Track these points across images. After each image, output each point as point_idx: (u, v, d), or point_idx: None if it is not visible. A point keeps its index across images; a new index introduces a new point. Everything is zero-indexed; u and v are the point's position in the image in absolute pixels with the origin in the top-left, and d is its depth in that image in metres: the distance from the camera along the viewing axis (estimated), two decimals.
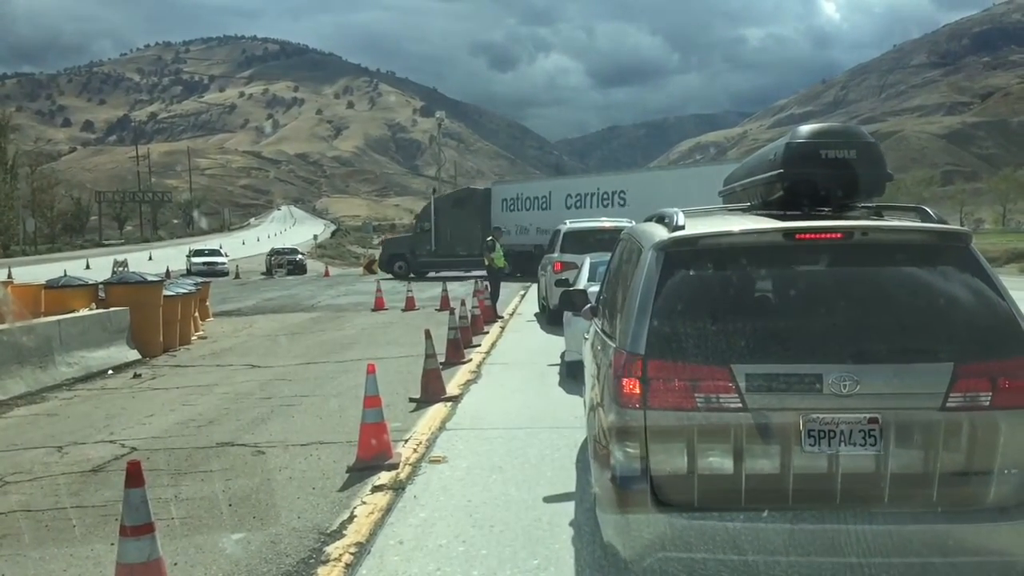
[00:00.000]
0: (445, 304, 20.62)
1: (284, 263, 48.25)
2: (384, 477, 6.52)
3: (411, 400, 9.75)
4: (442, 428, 8.38)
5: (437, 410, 9.19)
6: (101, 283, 15.39)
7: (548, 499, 5.99)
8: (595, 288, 7.88)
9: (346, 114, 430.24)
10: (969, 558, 3.75)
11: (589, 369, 5.71)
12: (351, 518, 5.62)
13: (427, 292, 26.01)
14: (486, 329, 16.88)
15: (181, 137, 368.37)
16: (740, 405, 3.77)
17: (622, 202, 33.64)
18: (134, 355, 14.12)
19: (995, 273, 4.05)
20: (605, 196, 34.51)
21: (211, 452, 7.73)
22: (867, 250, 4.19)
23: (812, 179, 4.54)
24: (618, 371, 4.03)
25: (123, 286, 14.98)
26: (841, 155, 4.49)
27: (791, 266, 4.25)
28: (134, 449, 7.97)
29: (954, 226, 4.38)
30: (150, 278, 15.45)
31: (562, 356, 11.88)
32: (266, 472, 6.94)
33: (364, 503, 5.93)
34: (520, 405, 9.56)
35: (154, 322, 14.92)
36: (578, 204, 35.20)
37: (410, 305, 22.67)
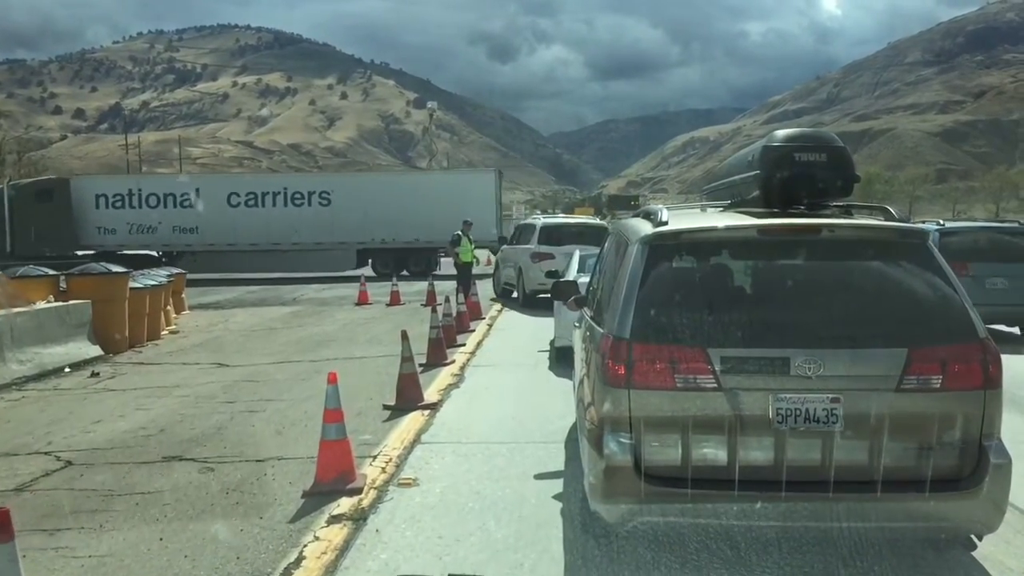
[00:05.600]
0: (431, 299, 19.75)
1: None
2: (344, 504, 5.66)
3: (385, 407, 8.89)
4: (416, 441, 7.52)
5: (413, 419, 8.33)
6: (62, 274, 14.46)
7: (531, 535, 5.14)
8: (584, 279, 8.65)
9: (339, 105, 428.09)
10: (922, 525, 4.20)
11: (579, 352, 6.22)
12: (299, 560, 4.75)
13: (414, 287, 25.11)
14: (472, 327, 15.99)
15: (173, 126, 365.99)
16: (715, 385, 4.12)
17: (325, 202, 33.74)
18: (95, 351, 13.21)
19: (949, 267, 4.38)
20: (298, 196, 33.92)
21: (154, 468, 6.86)
22: (833, 245, 4.53)
23: (786, 180, 4.94)
24: (606, 353, 4.37)
25: (85, 277, 14.03)
26: (812, 158, 4.94)
27: (764, 259, 4.73)
28: (69, 463, 7.11)
29: (913, 224, 4.83)
30: (115, 269, 14.49)
31: (551, 343, 12.47)
32: (210, 496, 6.06)
33: (317, 539, 5.06)
34: (504, 414, 8.70)
35: (119, 316, 14.01)
36: (251, 203, 33.90)
37: (395, 300, 21.79)
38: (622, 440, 4.20)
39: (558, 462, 6.72)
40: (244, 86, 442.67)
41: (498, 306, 20.52)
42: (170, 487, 6.31)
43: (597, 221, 24.18)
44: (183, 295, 20.73)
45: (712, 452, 4.16)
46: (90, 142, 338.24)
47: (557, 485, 6.09)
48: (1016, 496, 4.31)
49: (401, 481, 6.28)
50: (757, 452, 4.13)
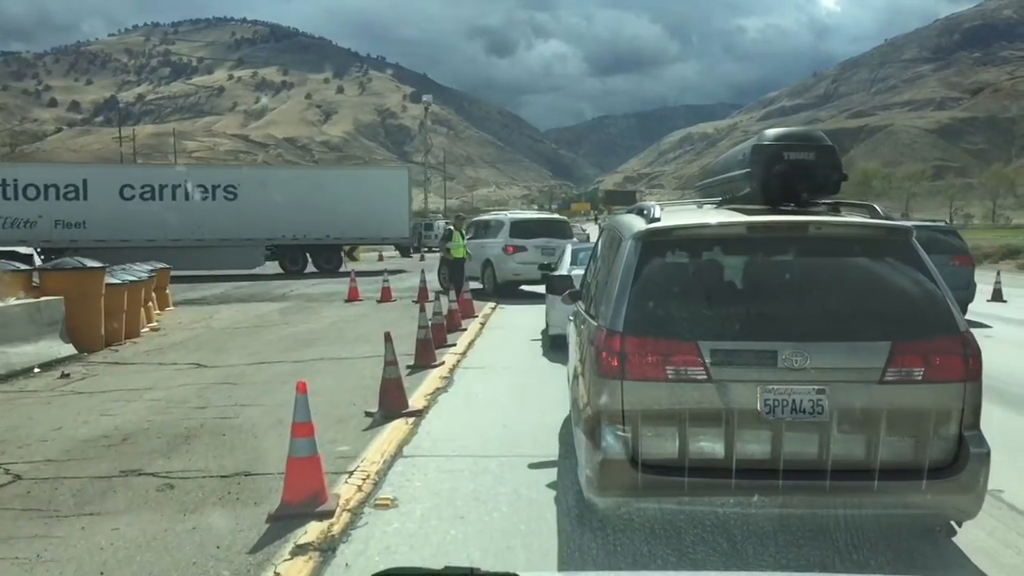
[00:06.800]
0: (423, 296, 19.19)
1: None
2: (312, 531, 5.04)
3: (367, 414, 8.28)
4: (397, 455, 6.92)
5: (395, 428, 7.72)
6: (35, 269, 13.84)
7: (522, 570, 4.54)
8: (578, 271, 9.04)
9: (336, 99, 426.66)
10: (905, 511, 4.31)
11: (573, 345, 6.42)
12: None
13: (405, 283, 24.55)
14: (464, 325, 15.39)
15: (169, 119, 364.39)
16: (706, 377, 4.22)
17: (231, 196, 32.33)
18: (68, 350, 12.60)
19: (932, 264, 4.47)
20: (201, 189, 32.22)
21: (109, 485, 6.25)
22: (820, 242, 4.64)
23: (776, 178, 5.05)
24: (599, 346, 4.48)
25: (58, 273, 13.40)
26: (801, 157, 5.06)
27: (753, 255, 4.80)
28: (18, 477, 6.49)
29: (898, 222, 4.90)
30: (89, 264, 13.85)
31: (543, 332, 13.81)
32: (165, 519, 5.44)
33: (277, 575, 4.46)
34: (495, 422, 8.12)
35: (94, 313, 13.40)
36: (147, 195, 31.79)
37: (386, 296, 21.22)
38: (618, 432, 4.28)
39: (551, 478, 6.15)
40: (240, 80, 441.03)
41: (492, 303, 19.95)
42: (123, 507, 5.71)
43: (557, 216, 27.80)
44: (167, 290, 20.15)
45: (703, 442, 4.27)
46: (85, 135, 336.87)
47: (551, 508, 5.51)
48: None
49: (378, 502, 5.68)
50: (746, 442, 4.22)
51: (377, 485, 6.06)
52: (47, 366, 11.80)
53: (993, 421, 8.02)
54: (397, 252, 38.79)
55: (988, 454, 4.25)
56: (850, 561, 4.27)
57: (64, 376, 11.17)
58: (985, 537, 4.87)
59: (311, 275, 31.89)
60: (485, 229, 23.33)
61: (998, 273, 23.09)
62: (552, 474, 6.26)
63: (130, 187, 31.79)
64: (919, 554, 4.63)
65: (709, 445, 4.25)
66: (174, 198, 31.99)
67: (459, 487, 6.04)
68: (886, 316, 4.45)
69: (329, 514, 5.30)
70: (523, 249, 21.03)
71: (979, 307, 18.79)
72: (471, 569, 1.77)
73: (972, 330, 4.47)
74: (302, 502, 5.37)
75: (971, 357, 4.28)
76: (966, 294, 15.85)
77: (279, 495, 5.55)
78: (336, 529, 5.10)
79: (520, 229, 21.80)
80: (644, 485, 4.22)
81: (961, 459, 4.21)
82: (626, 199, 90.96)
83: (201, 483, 6.22)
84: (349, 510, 5.45)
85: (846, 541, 4.34)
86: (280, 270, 33.03)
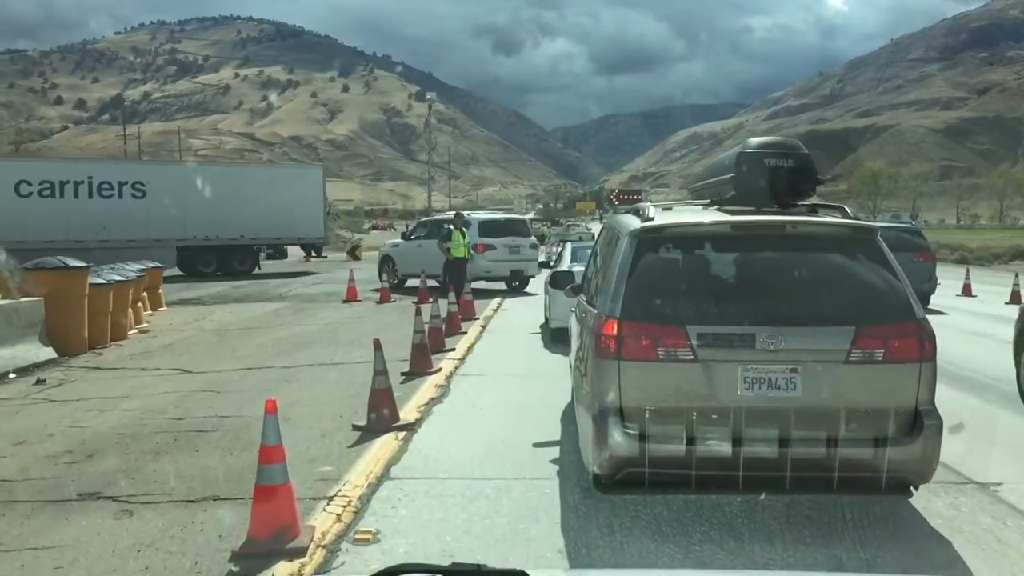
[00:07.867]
0: (424, 297, 18.54)
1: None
2: (280, 573, 4.42)
3: (355, 428, 7.65)
4: (384, 476, 6.27)
5: (384, 445, 7.08)
6: (16, 269, 13.22)
7: None
8: (578, 268, 10.09)
9: (341, 97, 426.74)
10: (865, 474, 4.71)
11: (575, 334, 6.96)
12: None
13: (407, 282, 23.89)
14: (464, 329, 14.75)
15: (175, 117, 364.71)
16: (692, 357, 4.76)
17: (139, 194, 29.99)
18: (48, 354, 11.99)
19: (894, 259, 5.01)
20: (106, 186, 29.56)
21: (63, 511, 5.62)
22: (796, 240, 5.15)
23: (757, 182, 5.57)
24: (598, 330, 5.02)
25: (39, 272, 12.74)
26: (780, 163, 5.60)
27: (736, 251, 5.31)
28: None
29: (865, 222, 5.64)
30: (72, 263, 13.22)
31: (541, 327, 14.71)
32: (116, 555, 4.80)
33: None
34: (493, 437, 7.46)
35: (77, 315, 12.78)
36: (47, 192, 28.76)
37: (386, 297, 20.59)
38: (611, 401, 4.79)
39: (554, 503, 5.53)
40: (246, 78, 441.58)
41: (494, 304, 19.34)
42: (71, 539, 5.06)
43: (519, 217, 29.52)
44: (160, 290, 19.53)
45: (692, 416, 4.69)
46: (91, 133, 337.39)
47: (550, 543, 4.88)
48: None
49: (358, 536, 5.04)
50: (729, 414, 4.67)
51: (359, 514, 5.43)
52: (23, 371, 11.19)
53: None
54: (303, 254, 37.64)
55: (940, 425, 4.71)
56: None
57: (40, 382, 10.54)
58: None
59: (308, 274, 31.31)
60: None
61: (1016, 275, 22.37)
62: (555, 498, 5.64)
63: (27, 183, 28.72)
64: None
65: (696, 417, 4.69)
66: (76, 195, 29.32)
67: (449, 517, 5.39)
68: (852, 304, 4.96)
69: (301, 552, 4.66)
70: (492, 247, 22.33)
71: (998, 310, 18.17)
72: (477, 566, 1.78)
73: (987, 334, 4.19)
74: (271, 537, 4.72)
75: (926, 340, 4.78)
76: (928, 286, 17.97)
77: (247, 526, 4.92)
78: (308, 571, 4.47)
79: (488, 228, 22.94)
80: (640, 452, 4.66)
81: (916, 429, 4.68)
82: (630, 199, 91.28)
83: (164, 509, 5.59)
84: (324, 546, 4.82)
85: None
86: (181, 272, 30.57)
